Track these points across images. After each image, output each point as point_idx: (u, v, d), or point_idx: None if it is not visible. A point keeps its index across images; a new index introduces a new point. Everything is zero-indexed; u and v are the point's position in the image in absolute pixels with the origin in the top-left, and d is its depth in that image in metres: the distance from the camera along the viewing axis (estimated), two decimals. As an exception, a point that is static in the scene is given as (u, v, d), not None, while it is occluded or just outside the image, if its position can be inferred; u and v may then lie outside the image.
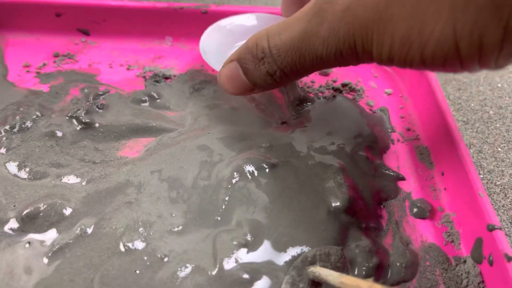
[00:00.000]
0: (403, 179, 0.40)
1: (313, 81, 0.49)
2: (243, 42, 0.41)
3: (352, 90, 0.48)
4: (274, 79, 0.30)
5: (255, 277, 0.30)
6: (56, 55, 0.49)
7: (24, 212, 0.33)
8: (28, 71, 0.47)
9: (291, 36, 0.28)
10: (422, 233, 0.36)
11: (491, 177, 0.42)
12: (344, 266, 0.31)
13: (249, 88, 0.32)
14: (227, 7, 0.50)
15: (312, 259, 0.31)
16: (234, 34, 0.48)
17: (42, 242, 0.32)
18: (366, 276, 0.31)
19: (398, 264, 0.33)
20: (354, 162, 0.38)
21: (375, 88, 0.49)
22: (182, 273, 0.30)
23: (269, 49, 0.29)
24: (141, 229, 0.32)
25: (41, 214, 0.33)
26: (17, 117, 0.40)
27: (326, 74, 0.50)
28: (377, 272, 0.32)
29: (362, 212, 0.35)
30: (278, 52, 0.28)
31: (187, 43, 0.52)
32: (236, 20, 0.48)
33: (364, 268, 0.32)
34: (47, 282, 0.30)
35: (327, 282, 0.28)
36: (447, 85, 0.52)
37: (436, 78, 0.44)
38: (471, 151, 0.44)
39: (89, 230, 0.32)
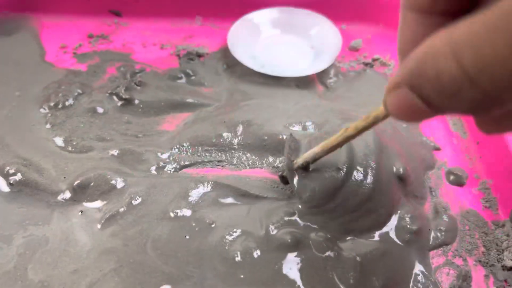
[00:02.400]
0: (438, 149, 0.40)
1: (343, 56, 0.49)
2: (268, 35, 0.43)
3: (383, 64, 0.48)
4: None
5: (300, 242, 0.31)
6: (91, 36, 0.50)
7: (75, 183, 0.34)
8: (65, 52, 0.48)
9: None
10: (459, 200, 0.37)
11: (525, 146, 0.42)
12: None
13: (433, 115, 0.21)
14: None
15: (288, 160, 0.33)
16: (259, 27, 0.49)
17: (94, 210, 0.34)
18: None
19: (438, 228, 0.34)
20: (396, 130, 0.39)
21: (405, 62, 0.49)
22: (230, 237, 0.31)
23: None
24: (190, 198, 0.34)
25: (92, 184, 0.34)
26: (60, 94, 0.41)
27: (356, 50, 0.50)
28: (419, 236, 0.33)
29: (409, 180, 0.35)
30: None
31: (217, 23, 0.53)
32: (261, 14, 0.50)
33: (407, 232, 0.32)
34: (101, 247, 0.31)
35: (308, 161, 0.31)
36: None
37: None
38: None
39: (139, 199, 0.33)
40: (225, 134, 0.39)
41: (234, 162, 0.38)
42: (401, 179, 0.35)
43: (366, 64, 0.48)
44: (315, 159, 0.31)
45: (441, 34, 0.17)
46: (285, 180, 0.34)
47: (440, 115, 0.23)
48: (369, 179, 0.33)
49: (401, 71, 0.19)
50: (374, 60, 0.49)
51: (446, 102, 0.18)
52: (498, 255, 0.33)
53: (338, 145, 0.29)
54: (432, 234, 0.34)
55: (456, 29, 0.16)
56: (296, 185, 0.33)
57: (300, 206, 0.33)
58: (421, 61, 0.18)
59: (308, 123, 0.39)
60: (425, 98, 0.19)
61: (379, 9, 0.52)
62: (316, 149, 0.30)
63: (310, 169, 0.32)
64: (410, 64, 0.18)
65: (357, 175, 0.32)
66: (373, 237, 0.32)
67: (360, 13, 0.53)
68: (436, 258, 0.33)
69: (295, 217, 0.33)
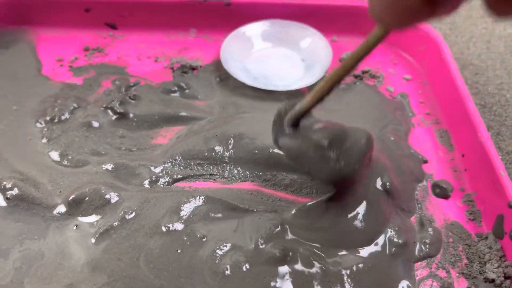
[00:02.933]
0: (425, 161, 0.41)
1: (334, 68, 0.50)
2: (260, 48, 0.43)
3: (372, 76, 0.50)
4: None
5: (288, 255, 0.32)
6: (86, 49, 0.51)
7: (71, 197, 0.35)
8: (61, 65, 0.49)
9: None
10: (444, 212, 0.38)
11: (510, 158, 0.43)
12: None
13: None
14: (249, -1, 0.52)
15: (284, 111, 0.33)
16: (251, 40, 0.50)
17: (88, 224, 0.35)
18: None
19: (423, 241, 0.35)
20: (384, 144, 0.40)
21: (394, 74, 0.50)
22: (220, 251, 0.32)
23: None
24: (182, 212, 0.35)
25: (86, 199, 0.35)
26: (56, 109, 0.42)
27: (347, 62, 0.51)
28: (405, 248, 0.34)
29: (397, 193, 0.36)
30: None
31: (211, 35, 0.53)
32: (253, 27, 0.51)
33: (394, 246, 0.33)
34: (96, 261, 0.32)
35: (301, 112, 0.31)
36: (464, 70, 0.53)
37: (455, 63, 0.45)
38: (490, 133, 0.46)
39: (132, 213, 0.34)
40: (217, 148, 0.40)
41: (226, 175, 0.39)
42: (389, 192, 0.36)
43: (356, 77, 0.49)
44: (306, 110, 0.31)
45: None
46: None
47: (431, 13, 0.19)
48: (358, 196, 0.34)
49: None
50: (363, 72, 0.50)
51: None
52: (481, 267, 0.34)
53: (331, 86, 0.28)
54: (417, 246, 0.35)
55: None
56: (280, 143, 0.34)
57: (290, 217, 0.34)
58: None
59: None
60: None
61: (370, 21, 0.52)
62: (308, 97, 0.30)
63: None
64: None
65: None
66: (361, 251, 0.33)
67: (351, 25, 0.54)
68: (420, 270, 0.34)
69: (284, 231, 0.34)
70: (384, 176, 0.36)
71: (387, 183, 0.36)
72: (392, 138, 0.42)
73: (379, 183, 0.36)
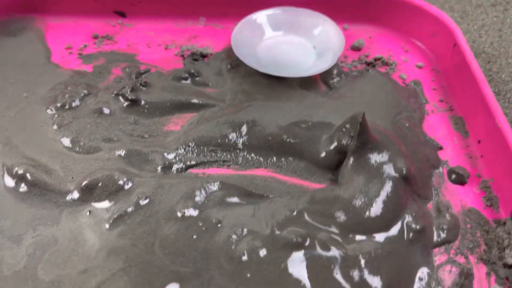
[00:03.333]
0: (440, 148, 0.41)
1: (346, 56, 0.50)
2: (271, 35, 0.44)
3: (385, 64, 0.49)
4: None
5: (305, 241, 0.32)
6: (96, 37, 0.50)
7: (83, 183, 0.35)
8: (70, 53, 0.48)
9: None
10: (461, 198, 0.37)
11: (526, 145, 0.43)
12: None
13: None
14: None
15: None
16: (262, 27, 0.50)
17: (102, 210, 0.34)
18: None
19: (441, 227, 0.34)
20: (399, 130, 0.40)
21: (407, 61, 0.50)
22: (237, 237, 0.32)
23: None
24: (196, 198, 0.34)
25: (99, 184, 0.35)
26: (66, 95, 0.42)
27: (358, 49, 0.51)
28: (423, 234, 0.33)
29: (413, 180, 0.36)
30: None
31: (220, 23, 0.53)
32: (264, 14, 0.50)
33: (411, 231, 0.33)
34: (110, 247, 0.32)
35: None
36: (477, 58, 0.53)
37: (469, 48, 0.45)
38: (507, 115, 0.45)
39: (146, 199, 0.34)
40: (230, 135, 0.39)
41: (239, 162, 0.39)
42: (405, 178, 0.35)
43: (368, 64, 0.49)
44: None
45: None
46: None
47: None
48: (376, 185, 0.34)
49: None
50: (376, 59, 0.49)
51: None
52: (500, 253, 0.33)
53: None
54: (435, 232, 0.34)
55: None
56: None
57: (305, 202, 0.34)
58: None
59: (311, 122, 0.40)
60: None
61: (381, 9, 0.52)
62: None
63: None
64: None
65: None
66: (379, 237, 0.33)
67: (362, 13, 0.53)
68: (438, 256, 0.33)
69: (300, 216, 0.33)
70: (399, 161, 0.36)
71: (403, 169, 0.35)
72: (407, 125, 0.41)
73: (395, 168, 0.35)
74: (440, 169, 0.39)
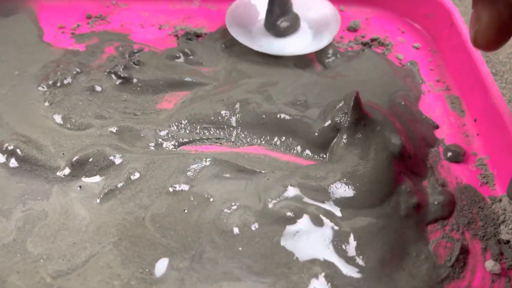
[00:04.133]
0: (436, 127, 0.40)
1: (342, 36, 0.49)
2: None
3: (381, 44, 0.48)
4: None
5: (298, 215, 0.31)
6: (89, 17, 0.50)
7: (74, 159, 0.34)
8: (63, 32, 0.48)
9: None
10: (457, 176, 0.37)
11: (523, 124, 0.42)
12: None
13: None
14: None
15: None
16: (257, 7, 0.49)
17: (92, 185, 0.34)
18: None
19: (435, 203, 0.34)
20: (395, 108, 0.39)
21: (403, 42, 0.49)
22: (228, 211, 0.31)
23: None
24: (188, 173, 0.34)
25: (90, 160, 0.34)
26: (58, 73, 0.41)
27: (355, 30, 0.50)
28: (417, 210, 0.33)
29: (408, 156, 0.35)
30: None
31: (215, 4, 0.52)
32: None
33: (405, 207, 0.33)
34: (100, 221, 0.31)
35: None
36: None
37: (467, 28, 0.44)
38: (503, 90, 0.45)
39: (137, 174, 0.34)
40: (223, 112, 0.39)
41: (232, 139, 0.38)
42: (400, 155, 0.35)
43: (364, 44, 0.48)
44: None
45: None
46: None
47: None
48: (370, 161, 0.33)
49: None
50: (372, 40, 0.49)
51: None
52: (495, 229, 0.33)
53: None
54: (430, 208, 0.34)
55: None
56: None
57: (299, 177, 0.33)
58: None
59: (305, 101, 0.39)
60: None
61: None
62: None
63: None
64: None
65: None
66: (373, 212, 0.32)
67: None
68: (433, 232, 0.33)
69: (293, 191, 0.33)
70: (394, 137, 0.35)
71: (397, 145, 0.35)
72: (403, 103, 0.41)
73: (389, 144, 0.35)
74: (436, 148, 0.39)
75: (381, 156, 0.34)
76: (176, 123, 0.38)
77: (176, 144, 0.37)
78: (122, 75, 0.41)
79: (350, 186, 0.33)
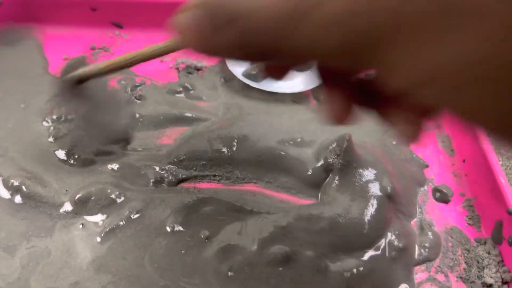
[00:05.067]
0: (427, 166, 0.42)
1: (338, 71, 0.51)
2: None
3: (376, 80, 0.50)
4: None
5: (291, 257, 0.33)
6: (93, 48, 0.51)
7: (77, 196, 0.36)
8: (67, 64, 0.49)
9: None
10: (444, 217, 0.38)
11: (510, 163, 0.44)
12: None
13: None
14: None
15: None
16: None
17: (94, 223, 0.35)
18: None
19: (423, 245, 0.35)
20: (386, 148, 0.41)
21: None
22: (223, 252, 0.33)
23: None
24: (186, 213, 0.35)
25: (92, 198, 0.36)
26: (62, 108, 0.42)
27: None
28: (405, 252, 0.34)
29: (398, 198, 0.37)
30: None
31: (216, 35, 0.54)
32: None
33: (394, 249, 0.34)
34: (101, 260, 0.33)
35: (87, 75, 0.35)
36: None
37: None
38: (490, 138, 0.46)
39: (137, 213, 0.35)
40: (220, 149, 0.40)
41: (230, 176, 0.40)
42: (389, 197, 0.36)
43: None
44: (95, 74, 0.34)
45: None
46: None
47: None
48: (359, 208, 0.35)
49: None
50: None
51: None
52: (479, 272, 0.34)
53: (125, 64, 0.31)
54: (417, 250, 0.35)
55: None
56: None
57: (292, 219, 0.35)
58: None
59: (301, 139, 0.41)
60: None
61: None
62: (101, 64, 0.33)
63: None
64: None
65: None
66: (362, 255, 0.34)
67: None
68: (419, 273, 0.34)
69: (286, 233, 0.34)
70: (385, 180, 0.37)
71: (388, 187, 0.36)
72: (394, 143, 0.42)
73: (380, 187, 0.37)
74: (425, 187, 0.40)
75: (372, 199, 0.36)
76: (175, 160, 0.40)
77: (175, 181, 0.39)
78: (124, 110, 0.43)
79: (341, 229, 0.34)
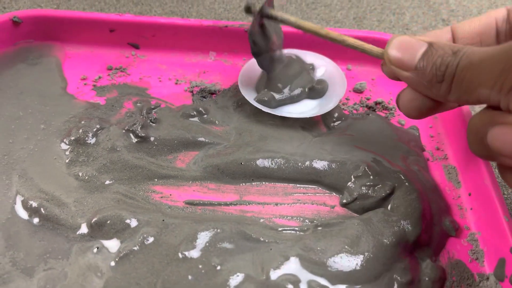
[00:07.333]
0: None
1: (348, 98, 0.52)
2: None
3: (385, 108, 0.51)
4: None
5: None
6: (110, 68, 0.53)
7: (93, 220, 0.37)
8: (85, 84, 0.51)
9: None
10: (449, 250, 0.39)
11: (515, 197, 0.44)
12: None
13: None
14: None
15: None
16: None
17: (109, 248, 0.36)
18: None
19: (427, 279, 0.36)
20: (416, 178, 0.42)
21: (407, 106, 0.52)
22: (233, 281, 0.34)
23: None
24: (198, 240, 0.36)
25: (108, 222, 0.37)
26: (80, 130, 0.44)
27: (360, 92, 0.53)
28: (409, 286, 0.35)
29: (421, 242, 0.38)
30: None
31: (230, 58, 0.55)
32: None
33: (398, 284, 0.35)
34: (115, 285, 0.34)
35: (283, 19, 0.40)
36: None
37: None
38: (496, 170, 0.47)
39: (151, 239, 0.36)
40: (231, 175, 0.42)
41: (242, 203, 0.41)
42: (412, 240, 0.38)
43: (369, 108, 0.51)
44: (284, 21, 0.40)
45: None
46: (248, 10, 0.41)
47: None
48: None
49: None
50: (376, 103, 0.51)
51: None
52: (481, 307, 0.35)
53: (316, 33, 0.39)
54: (421, 284, 0.36)
55: None
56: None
57: (300, 249, 0.36)
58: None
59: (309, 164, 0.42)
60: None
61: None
62: (292, 18, 0.39)
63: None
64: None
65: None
66: (367, 287, 0.35)
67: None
68: (423, 307, 0.35)
69: (294, 263, 0.35)
70: (413, 226, 0.38)
71: (413, 235, 0.38)
72: (416, 168, 0.43)
73: (404, 229, 0.38)
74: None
75: (391, 239, 0.37)
76: (189, 184, 0.41)
77: (188, 206, 0.40)
78: (140, 134, 0.44)
79: (348, 262, 0.35)
